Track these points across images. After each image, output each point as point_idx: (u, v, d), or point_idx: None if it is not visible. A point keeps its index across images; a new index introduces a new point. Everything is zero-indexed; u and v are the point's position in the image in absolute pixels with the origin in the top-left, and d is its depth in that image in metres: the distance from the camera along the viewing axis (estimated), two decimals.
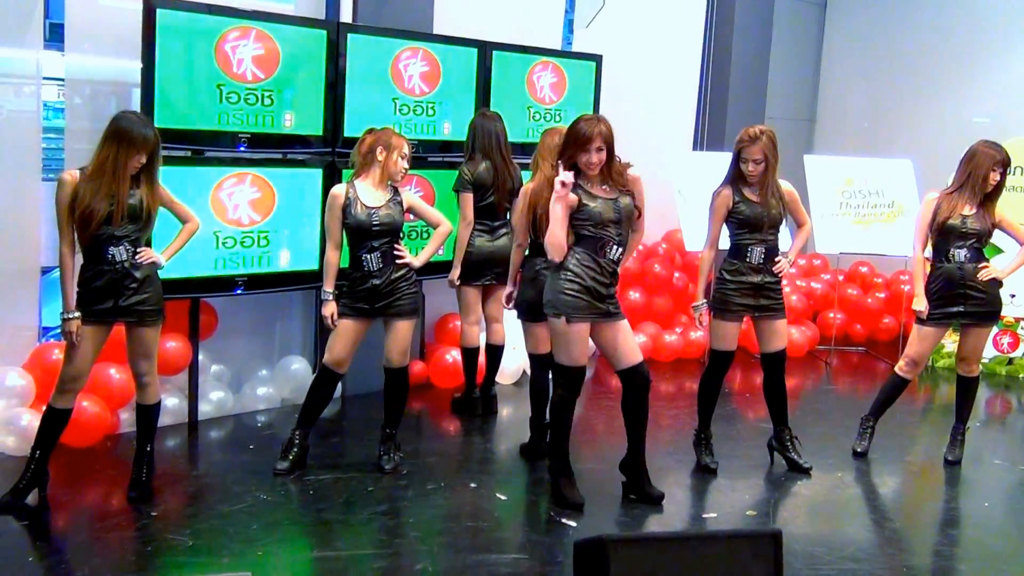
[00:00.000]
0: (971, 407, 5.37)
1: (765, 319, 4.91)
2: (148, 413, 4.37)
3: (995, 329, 7.14)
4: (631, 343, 4.45)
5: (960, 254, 5.06)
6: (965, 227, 5.04)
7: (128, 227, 4.11)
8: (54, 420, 4.21)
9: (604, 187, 4.35)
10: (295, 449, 4.79)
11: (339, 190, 4.69)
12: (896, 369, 5.32)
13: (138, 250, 4.17)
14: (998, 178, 5.03)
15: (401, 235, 4.79)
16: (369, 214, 4.64)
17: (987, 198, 5.07)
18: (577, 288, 4.29)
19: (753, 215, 4.79)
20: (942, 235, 5.09)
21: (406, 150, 4.73)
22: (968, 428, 5.40)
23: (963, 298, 5.08)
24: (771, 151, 4.71)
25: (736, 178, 4.82)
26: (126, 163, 4.03)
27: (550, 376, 5.08)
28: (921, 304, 5.15)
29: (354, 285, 4.71)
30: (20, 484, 4.19)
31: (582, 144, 4.25)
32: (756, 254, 4.83)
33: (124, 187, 4.04)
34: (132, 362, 4.29)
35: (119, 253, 4.11)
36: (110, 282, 4.12)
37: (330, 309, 4.70)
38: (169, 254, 4.39)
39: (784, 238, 5.14)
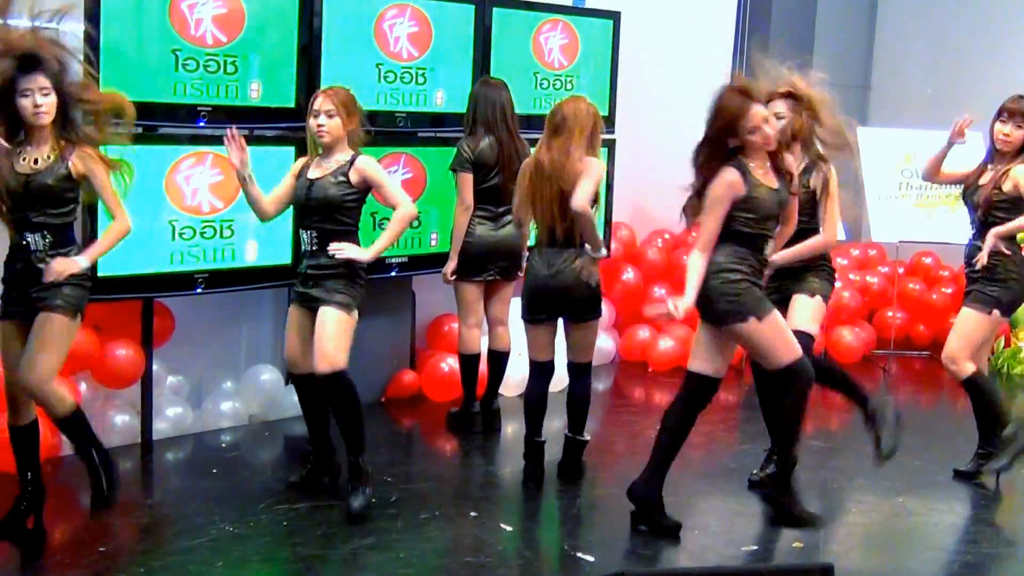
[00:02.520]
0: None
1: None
2: (69, 424, 4.25)
3: None
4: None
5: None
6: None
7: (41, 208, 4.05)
8: (19, 438, 4.28)
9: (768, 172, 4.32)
10: (312, 457, 4.90)
11: (304, 160, 4.78)
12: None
13: (50, 251, 4.07)
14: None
15: (346, 216, 4.63)
16: (304, 186, 4.64)
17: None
18: (747, 284, 4.24)
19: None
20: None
21: (317, 104, 4.64)
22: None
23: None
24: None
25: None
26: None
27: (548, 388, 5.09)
28: None
29: (297, 267, 4.79)
30: (20, 507, 4.29)
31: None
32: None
33: None
34: (26, 365, 4.03)
35: (34, 242, 4.06)
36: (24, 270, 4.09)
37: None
38: (92, 256, 4.21)
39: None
